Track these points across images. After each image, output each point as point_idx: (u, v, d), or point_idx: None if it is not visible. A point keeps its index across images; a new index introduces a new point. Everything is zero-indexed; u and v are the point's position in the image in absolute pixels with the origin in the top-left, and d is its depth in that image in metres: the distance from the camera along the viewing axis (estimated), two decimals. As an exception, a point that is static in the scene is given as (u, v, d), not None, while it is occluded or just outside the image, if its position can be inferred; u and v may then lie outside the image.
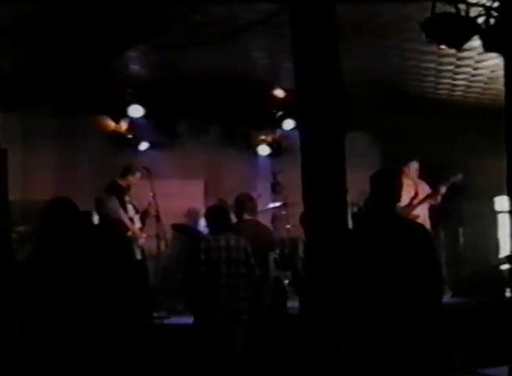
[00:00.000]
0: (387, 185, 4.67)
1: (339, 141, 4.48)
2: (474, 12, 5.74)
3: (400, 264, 4.48)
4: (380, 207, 4.69)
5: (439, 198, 9.31)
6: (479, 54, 8.29)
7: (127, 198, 8.68)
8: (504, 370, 7.01)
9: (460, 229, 11.92)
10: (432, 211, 9.33)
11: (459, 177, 9.39)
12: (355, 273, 4.47)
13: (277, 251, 8.21)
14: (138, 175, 8.87)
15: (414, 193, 9.10)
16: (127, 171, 8.82)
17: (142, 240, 8.64)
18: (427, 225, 8.85)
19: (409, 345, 4.47)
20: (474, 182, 11.18)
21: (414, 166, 9.40)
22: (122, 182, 8.74)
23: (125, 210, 8.55)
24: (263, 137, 11.62)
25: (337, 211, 4.32)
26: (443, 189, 9.20)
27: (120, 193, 8.56)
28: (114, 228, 8.05)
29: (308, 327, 5.58)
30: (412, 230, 4.71)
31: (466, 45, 6.00)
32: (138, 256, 8.53)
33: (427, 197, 9.16)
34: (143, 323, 7.35)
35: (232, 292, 6.26)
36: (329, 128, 4.44)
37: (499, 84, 9.91)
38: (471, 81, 9.89)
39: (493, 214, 12.69)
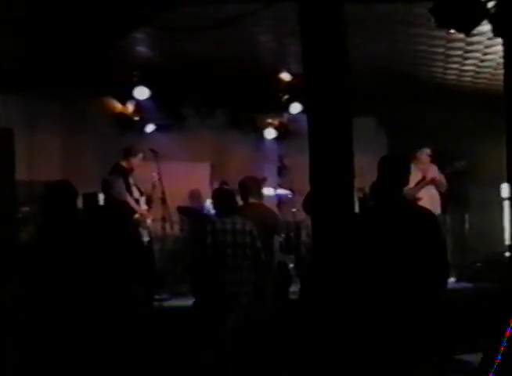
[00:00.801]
0: (394, 170, 4.67)
1: (346, 126, 4.46)
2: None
3: (406, 248, 4.49)
4: (387, 192, 4.70)
5: (445, 184, 9.38)
6: (488, 39, 8.23)
7: (131, 180, 8.68)
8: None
9: (466, 215, 11.90)
10: (441, 197, 9.40)
11: (461, 164, 9.46)
12: (361, 258, 4.47)
13: (282, 235, 8.20)
14: (140, 156, 8.86)
15: (421, 178, 9.16)
16: (129, 152, 8.82)
17: (148, 222, 8.66)
18: (434, 209, 8.92)
19: (415, 331, 4.49)
20: (481, 169, 11.16)
21: (426, 151, 9.48)
22: (125, 164, 8.74)
23: (130, 192, 8.56)
24: (269, 120, 11.60)
25: (343, 196, 4.31)
26: (441, 176, 9.32)
27: (124, 175, 8.56)
28: (120, 209, 8.06)
29: (308, 311, 5.59)
30: (418, 214, 4.72)
31: (475, 30, 5.96)
32: (146, 238, 8.55)
33: (429, 181, 9.23)
34: (146, 308, 7.36)
35: (237, 275, 6.27)
36: (337, 113, 4.42)
37: (508, 70, 9.92)
38: (480, 67, 9.83)
39: (500, 200, 12.66)
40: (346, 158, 4.38)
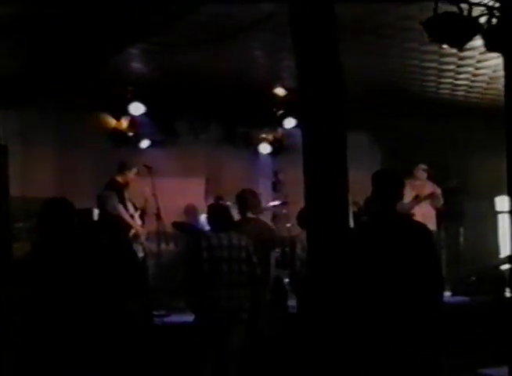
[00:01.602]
0: (387, 184, 4.67)
1: (341, 140, 4.47)
2: (476, 11, 5.74)
3: (400, 262, 4.48)
4: (381, 207, 4.70)
5: (441, 201, 9.44)
6: (481, 54, 8.30)
7: (126, 195, 8.68)
8: (504, 370, 7.02)
9: (461, 229, 11.93)
10: (436, 213, 9.45)
11: (454, 182, 9.54)
12: (356, 272, 4.47)
13: (277, 250, 8.20)
14: (134, 170, 8.88)
15: (416, 194, 9.18)
16: (123, 167, 8.84)
17: (143, 238, 8.65)
18: (430, 225, 8.94)
19: (410, 343, 4.48)
20: (474, 182, 11.20)
21: (422, 167, 9.52)
22: (120, 179, 8.74)
23: (125, 207, 8.55)
24: (264, 135, 11.62)
25: (338, 210, 4.31)
26: (437, 191, 9.37)
27: (120, 190, 8.56)
28: (114, 225, 8.04)
29: (307, 326, 5.58)
30: (413, 229, 4.71)
31: (468, 45, 6.00)
32: (140, 254, 8.53)
33: (424, 197, 9.27)
34: (142, 321, 7.33)
35: (233, 291, 6.24)
36: (331, 127, 4.43)
37: (501, 84, 9.97)
38: (473, 81, 9.89)
39: (494, 214, 12.71)
40: (340, 172, 4.38)
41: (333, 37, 4.52)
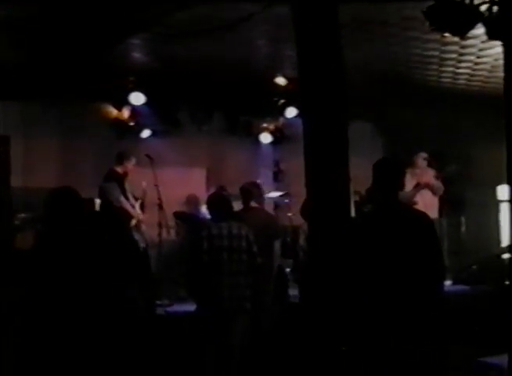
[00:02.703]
0: (388, 173, 4.68)
1: (342, 130, 4.47)
2: (477, 0, 5.72)
3: (402, 251, 4.50)
4: (382, 196, 4.70)
5: (441, 189, 9.44)
6: (482, 42, 8.27)
7: (126, 186, 8.68)
8: (505, 358, 7.03)
9: (462, 218, 11.92)
10: (439, 201, 9.45)
11: (453, 168, 9.51)
12: (357, 261, 4.48)
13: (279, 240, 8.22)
14: (133, 160, 8.87)
15: (417, 182, 9.18)
16: (122, 157, 8.81)
17: (144, 228, 8.66)
18: (432, 213, 8.97)
19: (412, 333, 4.49)
20: (476, 171, 11.18)
21: (422, 155, 9.52)
22: (119, 169, 8.73)
23: (126, 197, 8.56)
24: (265, 125, 11.60)
25: (340, 200, 4.31)
26: (436, 179, 9.37)
27: (119, 180, 8.57)
28: (116, 215, 8.06)
29: (309, 316, 5.59)
30: (414, 218, 4.72)
31: (470, 33, 5.97)
32: (142, 244, 8.55)
33: (424, 185, 9.27)
34: (145, 311, 7.36)
35: (234, 280, 6.24)
36: (333, 117, 4.43)
37: (503, 73, 9.95)
38: (474, 70, 9.86)
39: (495, 203, 12.70)
40: (341, 162, 4.38)
41: (335, 25, 4.51)
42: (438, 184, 9.45)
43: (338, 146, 4.45)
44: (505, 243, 10.69)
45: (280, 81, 10.26)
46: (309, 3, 4.37)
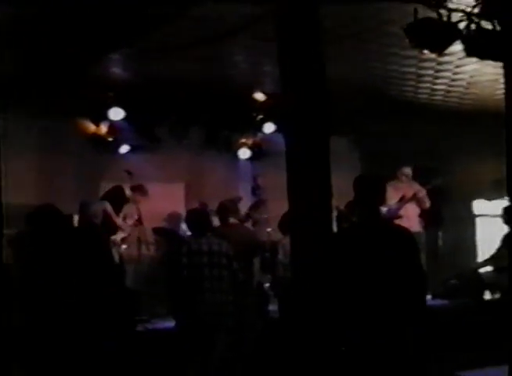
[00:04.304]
0: (369, 189, 4.69)
1: (324, 145, 4.49)
2: (455, 17, 5.80)
3: (384, 267, 4.50)
4: (363, 211, 4.72)
5: (427, 202, 9.53)
6: (459, 59, 8.37)
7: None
8: (484, 372, 7.07)
9: (439, 233, 12.00)
10: (423, 214, 9.54)
11: (439, 180, 9.60)
12: (339, 276, 4.48)
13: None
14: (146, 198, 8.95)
15: (402, 196, 9.26)
16: (140, 189, 8.91)
17: (123, 247, 8.66)
18: (416, 226, 9.08)
19: (395, 347, 4.50)
20: (452, 186, 11.27)
21: (406, 170, 9.62)
22: (129, 195, 8.86)
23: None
24: (244, 140, 11.61)
25: (321, 215, 4.33)
26: (421, 193, 9.43)
27: (123, 201, 8.64)
28: (93, 232, 8.00)
29: (289, 331, 5.58)
30: (395, 233, 4.73)
31: (447, 50, 6.05)
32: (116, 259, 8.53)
33: (409, 198, 9.34)
34: (123, 327, 7.29)
35: (215, 296, 6.23)
36: (315, 131, 4.44)
37: (479, 89, 10.08)
38: (451, 86, 9.98)
39: (471, 217, 12.82)
40: (323, 177, 4.40)
41: (318, 41, 4.55)
42: (424, 196, 9.53)
43: (320, 161, 4.46)
44: (482, 257, 10.78)
45: (259, 96, 10.30)
46: (293, 19, 4.39)
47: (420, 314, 4.53)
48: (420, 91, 10.29)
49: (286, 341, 5.83)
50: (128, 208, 9.02)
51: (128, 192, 8.98)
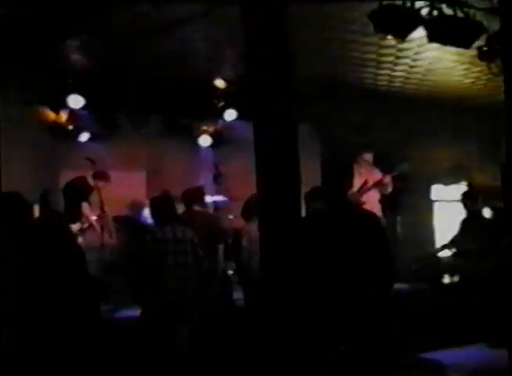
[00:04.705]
0: (339, 174, 4.74)
1: (292, 130, 4.50)
2: (418, 4, 5.87)
3: (351, 250, 4.55)
4: (331, 196, 4.75)
5: (389, 188, 9.59)
6: (418, 46, 8.46)
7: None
8: (443, 354, 7.20)
9: (398, 218, 12.13)
10: (384, 200, 9.60)
11: (405, 166, 9.67)
12: (309, 261, 4.51)
13: (220, 242, 8.21)
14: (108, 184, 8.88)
15: (364, 181, 9.31)
16: (102, 176, 8.82)
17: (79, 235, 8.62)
18: (377, 212, 9.13)
19: (360, 331, 4.55)
20: (411, 172, 11.39)
21: (367, 156, 9.67)
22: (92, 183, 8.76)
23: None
24: (204, 127, 11.56)
25: (290, 200, 4.34)
26: (387, 179, 9.49)
27: (87, 192, 8.56)
28: (56, 221, 7.91)
29: (257, 318, 5.59)
30: (363, 218, 4.79)
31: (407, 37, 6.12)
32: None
33: (374, 185, 9.40)
34: (88, 316, 7.23)
35: (180, 284, 6.22)
36: (282, 117, 4.45)
37: (436, 76, 10.20)
38: (410, 72, 10.07)
39: (429, 203, 12.99)
40: (292, 163, 4.41)
41: (284, 28, 4.55)
42: (386, 182, 9.60)
43: (288, 146, 4.47)
44: (440, 242, 10.94)
45: (219, 83, 10.25)
46: (259, 5, 4.39)
47: (388, 295, 4.59)
48: (379, 78, 10.37)
49: (253, 329, 5.85)
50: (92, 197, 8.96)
51: (90, 180, 8.89)
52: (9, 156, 9.98)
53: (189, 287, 6.27)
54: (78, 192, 8.51)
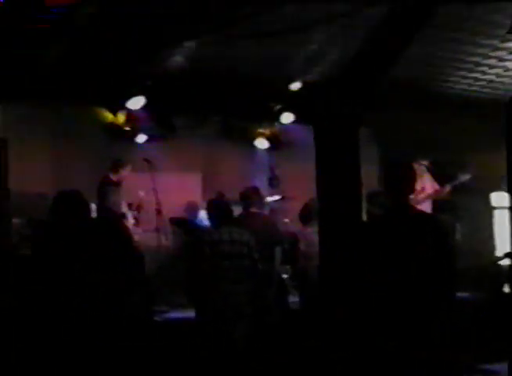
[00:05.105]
0: (402, 177, 4.63)
1: (353, 135, 4.41)
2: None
3: (415, 256, 4.44)
4: (394, 199, 4.65)
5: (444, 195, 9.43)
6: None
7: (120, 193, 8.62)
8: (503, 365, 7.00)
9: (457, 225, 11.90)
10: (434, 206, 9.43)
11: (467, 176, 9.47)
12: (370, 266, 4.42)
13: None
14: (129, 167, 8.80)
15: (421, 188, 9.15)
16: (117, 164, 8.74)
17: (136, 236, 8.58)
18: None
19: (421, 338, 4.44)
20: (473, 182, 11.17)
21: (423, 162, 9.52)
22: (114, 178, 8.65)
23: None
24: (261, 130, 11.54)
25: (351, 204, 4.25)
26: (447, 188, 9.33)
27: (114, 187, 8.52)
28: (114, 221, 7.98)
29: (312, 322, 5.52)
30: (427, 222, 4.67)
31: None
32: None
33: (434, 193, 9.25)
34: (143, 317, 7.26)
35: (235, 286, 6.18)
36: (344, 122, 4.36)
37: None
38: (499, 76, 9.79)
39: (489, 210, 12.71)
40: (353, 166, 4.32)
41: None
42: (442, 190, 9.43)
43: (349, 151, 4.38)
44: (501, 250, 10.69)
45: (293, 86, 10.13)
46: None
47: (448, 302, 4.47)
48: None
49: (307, 334, 5.77)
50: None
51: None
52: (67, 156, 10.15)
53: (243, 289, 6.21)
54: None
